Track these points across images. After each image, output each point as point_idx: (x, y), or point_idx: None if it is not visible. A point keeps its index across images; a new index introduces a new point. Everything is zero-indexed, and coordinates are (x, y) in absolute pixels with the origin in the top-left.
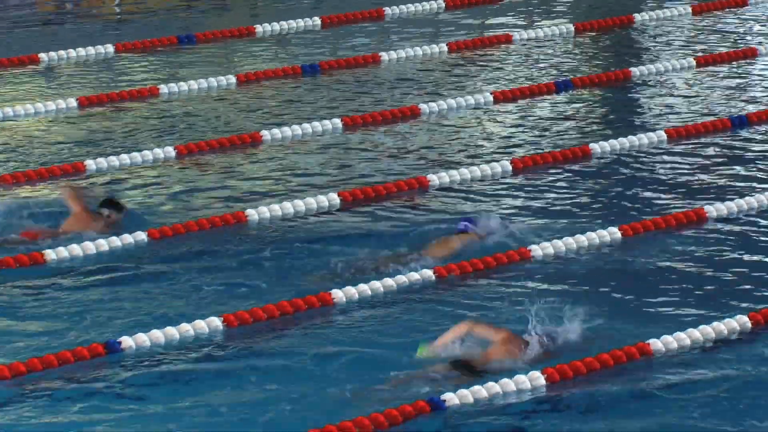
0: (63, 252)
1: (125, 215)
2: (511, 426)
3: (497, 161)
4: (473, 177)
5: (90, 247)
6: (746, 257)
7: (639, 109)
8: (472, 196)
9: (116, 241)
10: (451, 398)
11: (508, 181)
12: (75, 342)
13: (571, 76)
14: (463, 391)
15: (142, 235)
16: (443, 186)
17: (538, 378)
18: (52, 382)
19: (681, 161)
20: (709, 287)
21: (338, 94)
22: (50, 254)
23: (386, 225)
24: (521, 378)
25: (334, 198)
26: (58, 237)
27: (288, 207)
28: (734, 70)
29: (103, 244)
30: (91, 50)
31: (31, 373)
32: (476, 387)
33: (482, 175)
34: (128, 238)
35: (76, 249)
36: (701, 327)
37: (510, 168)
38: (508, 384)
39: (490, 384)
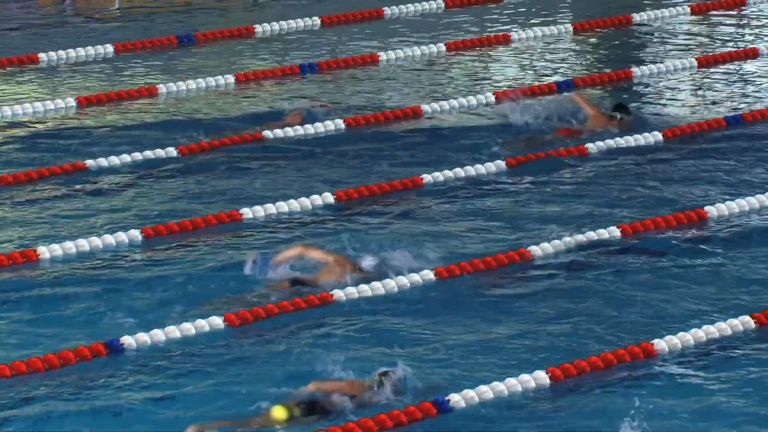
0: (57, 250)
1: (634, 118)
2: (516, 426)
3: (491, 161)
4: (468, 176)
5: (83, 244)
6: (749, 257)
7: (638, 109)
8: (467, 195)
9: (110, 239)
10: (456, 399)
11: (504, 180)
12: (76, 341)
13: (572, 77)
14: (469, 392)
15: (136, 234)
16: (438, 185)
17: (543, 378)
18: (54, 381)
19: (680, 161)
20: (711, 287)
21: (338, 94)
22: (44, 252)
23: (381, 225)
24: (526, 377)
25: (329, 197)
26: (581, 135)
27: (283, 206)
28: (735, 70)
29: (98, 242)
30: (91, 50)
31: (32, 372)
32: (481, 387)
33: (477, 174)
34: (122, 237)
35: (70, 247)
36: (705, 327)
37: (504, 167)
38: (513, 384)
39: (495, 384)
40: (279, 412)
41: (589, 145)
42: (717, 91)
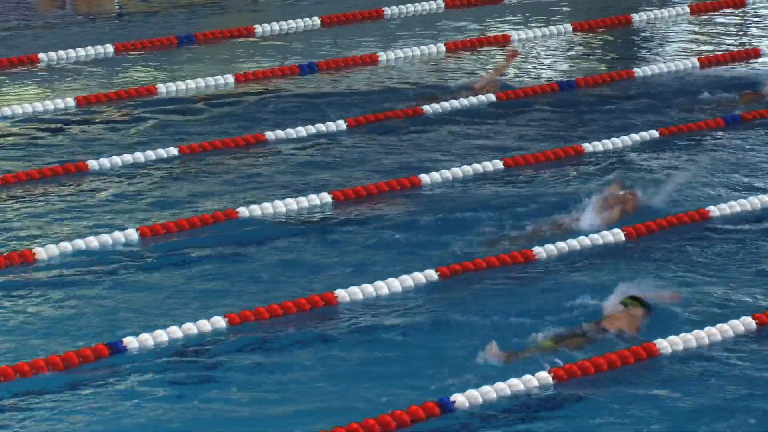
0: (54, 250)
1: None
2: (519, 426)
3: (489, 160)
4: (465, 176)
5: (80, 245)
6: (750, 257)
7: (637, 109)
8: (464, 195)
9: (107, 239)
10: (459, 399)
11: (502, 180)
12: (78, 343)
13: (572, 77)
14: (472, 392)
15: (133, 234)
16: (435, 186)
17: (546, 378)
18: (57, 382)
19: (679, 160)
20: (711, 287)
21: (338, 94)
22: (41, 253)
23: (380, 224)
24: (529, 378)
25: (326, 197)
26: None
27: (279, 205)
28: (736, 70)
29: (94, 241)
30: (91, 50)
31: (35, 374)
32: (485, 387)
33: (474, 174)
34: (119, 236)
35: (67, 247)
36: (707, 328)
37: (502, 166)
38: (517, 384)
39: (499, 384)
40: (547, 343)
41: (585, 145)
42: (717, 90)
